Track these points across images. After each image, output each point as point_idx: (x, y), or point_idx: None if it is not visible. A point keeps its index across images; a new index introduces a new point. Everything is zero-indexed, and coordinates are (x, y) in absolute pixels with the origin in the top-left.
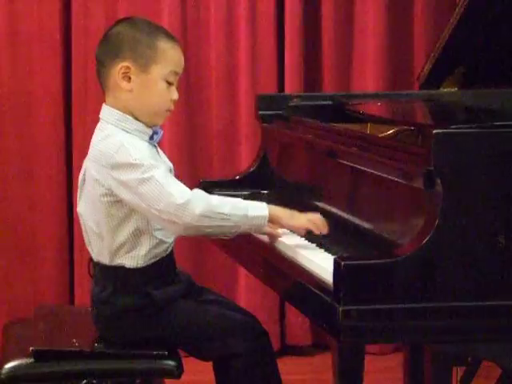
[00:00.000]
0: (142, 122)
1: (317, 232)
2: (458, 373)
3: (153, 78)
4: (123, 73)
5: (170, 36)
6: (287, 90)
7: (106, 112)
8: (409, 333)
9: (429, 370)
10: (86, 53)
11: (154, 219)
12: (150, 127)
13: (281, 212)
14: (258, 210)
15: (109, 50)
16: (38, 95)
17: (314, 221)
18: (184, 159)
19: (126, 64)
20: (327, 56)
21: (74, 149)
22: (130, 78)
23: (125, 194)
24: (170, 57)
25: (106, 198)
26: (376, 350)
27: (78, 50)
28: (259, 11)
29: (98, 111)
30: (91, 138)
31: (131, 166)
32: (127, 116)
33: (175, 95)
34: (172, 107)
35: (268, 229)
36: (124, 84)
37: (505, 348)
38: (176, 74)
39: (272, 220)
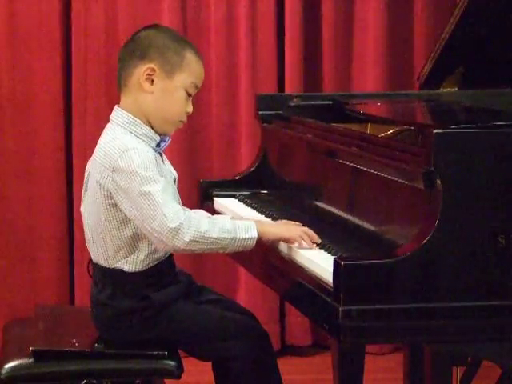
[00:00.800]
0: (153, 128)
1: (309, 243)
2: (458, 373)
3: (175, 85)
4: (148, 74)
5: (196, 50)
6: (287, 90)
7: (117, 114)
8: (409, 333)
9: (429, 369)
10: (86, 53)
11: (145, 232)
12: (159, 134)
13: (270, 228)
14: (247, 231)
15: (135, 50)
16: (38, 95)
17: (305, 231)
18: (184, 159)
19: (152, 66)
20: (327, 56)
21: (73, 149)
22: (152, 81)
23: (122, 200)
24: (194, 69)
25: (105, 201)
26: (376, 349)
27: (78, 50)
28: (259, 11)
29: (98, 111)
30: (91, 138)
31: (132, 173)
32: (137, 120)
33: (190, 108)
34: (185, 119)
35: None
36: (146, 85)
37: (505, 348)
38: (196, 87)
39: (261, 238)
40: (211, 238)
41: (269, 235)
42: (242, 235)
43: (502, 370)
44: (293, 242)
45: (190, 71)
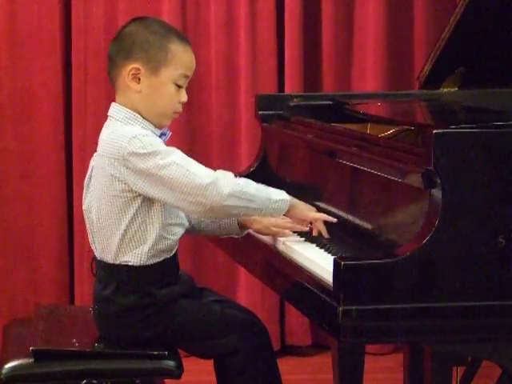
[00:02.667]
0: (150, 122)
1: (323, 231)
2: (458, 373)
3: (162, 81)
4: (133, 74)
5: (182, 38)
6: (287, 90)
7: (115, 110)
8: (409, 333)
9: (429, 369)
10: (85, 52)
11: (177, 203)
12: (158, 128)
13: (297, 202)
14: (280, 194)
15: (120, 49)
16: (37, 95)
17: (324, 218)
18: None
19: (136, 65)
20: (327, 56)
21: (73, 149)
22: (139, 79)
23: (144, 185)
24: (180, 60)
25: (123, 194)
26: (376, 350)
27: (78, 50)
28: (259, 11)
29: (97, 111)
30: (91, 138)
31: (147, 154)
32: (136, 114)
33: (184, 98)
34: (180, 109)
35: (274, 230)
36: (133, 85)
37: (505, 348)
38: (186, 77)
39: (291, 208)
40: (249, 193)
41: (297, 207)
42: (276, 196)
43: (502, 370)
44: (307, 223)
45: (177, 63)
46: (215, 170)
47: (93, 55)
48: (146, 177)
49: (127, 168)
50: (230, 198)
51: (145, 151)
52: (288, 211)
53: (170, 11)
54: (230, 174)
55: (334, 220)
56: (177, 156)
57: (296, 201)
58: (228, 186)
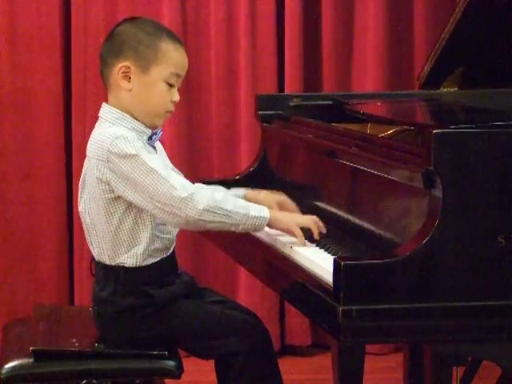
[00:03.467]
0: (142, 122)
1: (315, 231)
2: (458, 373)
3: (152, 80)
4: (123, 72)
5: (173, 37)
6: (287, 90)
7: (105, 111)
8: (409, 333)
9: (429, 369)
10: (85, 52)
11: (154, 211)
12: (150, 128)
13: (281, 216)
14: (260, 211)
15: (111, 49)
16: (37, 94)
17: (314, 219)
18: (184, 159)
19: (126, 64)
20: (327, 56)
21: (73, 149)
22: (130, 78)
23: (124, 188)
24: (171, 59)
25: (105, 195)
26: (376, 350)
27: (78, 50)
28: (259, 11)
29: (97, 111)
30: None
31: (127, 156)
32: (126, 115)
33: (176, 97)
34: (172, 108)
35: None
36: (124, 83)
37: (505, 348)
38: (177, 75)
39: (271, 223)
40: (225, 209)
41: (280, 221)
42: (254, 213)
43: (502, 370)
44: (299, 232)
45: (167, 62)
46: (209, 178)
47: (93, 55)
48: (126, 180)
49: (110, 170)
50: (205, 212)
51: (125, 152)
52: (270, 226)
53: (170, 11)
54: (209, 189)
55: (323, 229)
56: (157, 164)
57: (278, 215)
58: (203, 201)
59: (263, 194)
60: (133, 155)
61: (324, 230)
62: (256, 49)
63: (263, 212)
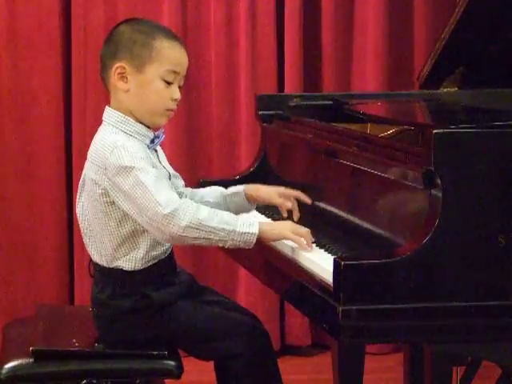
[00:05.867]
0: (144, 124)
1: (309, 241)
2: (458, 373)
3: (148, 78)
4: (119, 73)
5: (169, 35)
6: (287, 90)
7: (108, 114)
8: (409, 333)
9: (429, 370)
10: (85, 53)
11: (143, 224)
12: (152, 130)
13: (272, 227)
14: (248, 226)
15: (109, 50)
16: (38, 95)
17: (307, 231)
18: (184, 159)
19: (121, 64)
20: (327, 56)
21: (73, 149)
22: (126, 79)
23: (118, 196)
24: (166, 56)
25: (103, 199)
26: (376, 349)
27: (78, 50)
28: (259, 11)
29: (97, 111)
30: (91, 138)
31: (123, 168)
32: (128, 118)
33: (176, 94)
34: (173, 106)
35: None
36: (121, 84)
37: (505, 348)
38: (175, 73)
39: (262, 236)
40: (209, 226)
41: (270, 234)
42: (242, 229)
43: (502, 370)
44: (293, 240)
45: (162, 60)
46: (210, 178)
47: (93, 55)
48: (120, 191)
49: (107, 177)
50: (188, 229)
51: (121, 163)
52: (262, 239)
53: (170, 11)
54: (194, 206)
55: (311, 245)
56: (148, 177)
57: (267, 228)
58: (186, 218)
59: (263, 188)
60: (127, 167)
61: (311, 242)
62: (256, 49)
63: (252, 228)
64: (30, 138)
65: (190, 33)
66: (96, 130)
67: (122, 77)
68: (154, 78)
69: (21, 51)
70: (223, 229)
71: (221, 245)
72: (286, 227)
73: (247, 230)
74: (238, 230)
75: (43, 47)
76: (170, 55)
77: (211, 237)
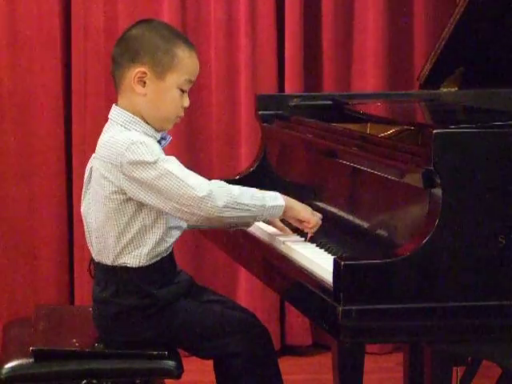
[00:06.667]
0: (152, 126)
1: (309, 234)
2: (458, 373)
3: (167, 86)
4: (139, 77)
5: (188, 44)
6: (287, 90)
7: (116, 113)
8: (409, 333)
9: (429, 369)
10: (85, 53)
11: (172, 212)
12: (159, 132)
13: (294, 203)
14: (275, 200)
15: (126, 51)
16: (38, 95)
17: (320, 217)
18: (184, 159)
19: (142, 69)
20: (327, 56)
21: (73, 149)
22: (144, 83)
23: (139, 192)
24: (186, 66)
25: (115, 196)
26: (376, 349)
27: (78, 50)
28: (259, 11)
29: (97, 111)
30: (91, 137)
31: (144, 163)
32: (137, 118)
33: (187, 103)
34: (182, 114)
35: (280, 224)
36: (138, 88)
37: (505, 348)
38: (190, 82)
39: (287, 210)
40: (243, 203)
41: (293, 209)
42: (271, 203)
43: (502, 370)
44: (307, 225)
45: (183, 69)
46: (210, 178)
47: (93, 55)
48: (141, 184)
49: (123, 174)
50: (225, 209)
51: (142, 159)
52: (284, 213)
53: (170, 11)
54: (225, 185)
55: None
56: (173, 166)
57: (291, 202)
58: (223, 198)
59: None
60: (151, 162)
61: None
62: (256, 49)
63: (278, 200)
64: (30, 138)
65: (190, 33)
66: (96, 130)
67: (141, 81)
68: (172, 86)
69: (21, 51)
70: (255, 205)
71: (251, 220)
72: (306, 209)
73: (275, 203)
74: (267, 204)
75: (43, 47)
76: (190, 65)
77: (245, 214)
